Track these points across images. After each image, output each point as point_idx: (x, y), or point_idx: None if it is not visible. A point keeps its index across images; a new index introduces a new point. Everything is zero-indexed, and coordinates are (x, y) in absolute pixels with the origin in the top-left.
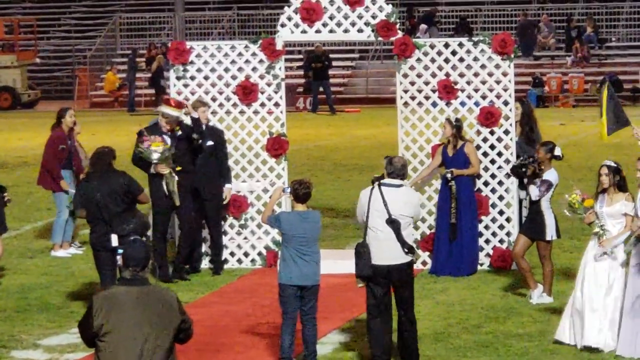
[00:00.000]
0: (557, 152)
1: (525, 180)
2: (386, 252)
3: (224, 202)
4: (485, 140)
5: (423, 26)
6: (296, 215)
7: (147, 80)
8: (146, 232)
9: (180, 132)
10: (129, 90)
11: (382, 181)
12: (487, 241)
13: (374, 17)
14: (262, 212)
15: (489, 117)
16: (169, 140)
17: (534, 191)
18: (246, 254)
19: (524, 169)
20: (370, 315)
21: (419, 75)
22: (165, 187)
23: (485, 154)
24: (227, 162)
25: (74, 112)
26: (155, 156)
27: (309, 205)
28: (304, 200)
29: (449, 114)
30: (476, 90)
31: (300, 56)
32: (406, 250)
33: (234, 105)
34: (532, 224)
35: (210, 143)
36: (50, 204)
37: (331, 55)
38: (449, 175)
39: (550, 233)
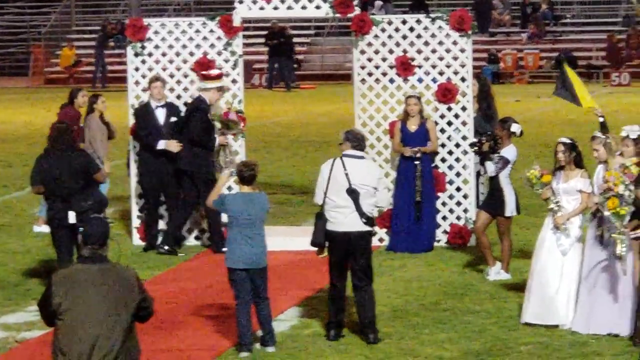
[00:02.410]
0: (514, 128)
1: (482, 156)
2: (342, 220)
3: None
4: (442, 116)
5: (378, 2)
6: (242, 197)
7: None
8: (104, 209)
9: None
10: (96, 66)
11: (344, 152)
12: (444, 218)
13: None
14: None
15: (446, 94)
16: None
17: (489, 167)
18: (203, 231)
19: (479, 145)
20: (331, 283)
21: (376, 52)
22: (222, 157)
23: (442, 131)
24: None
25: (86, 93)
26: (238, 127)
27: (265, 182)
28: (250, 182)
29: (406, 90)
30: (433, 67)
31: (257, 32)
32: (364, 220)
33: (192, 82)
34: (492, 200)
35: (173, 119)
36: (5, 180)
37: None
38: (418, 154)
39: (509, 209)
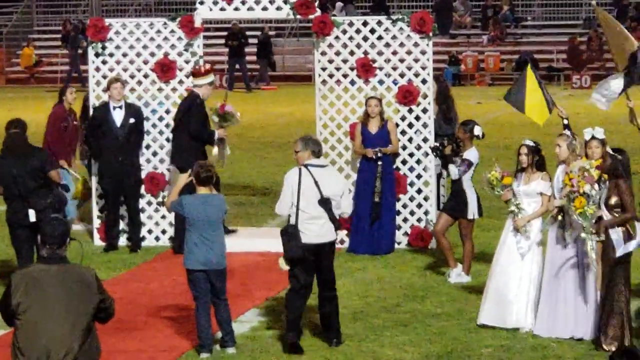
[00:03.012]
0: (477, 131)
1: (445, 159)
2: (317, 230)
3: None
4: (403, 118)
5: (339, 4)
6: (199, 199)
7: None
8: (63, 207)
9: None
10: (71, 66)
11: (309, 162)
12: (405, 220)
13: None
14: None
15: (407, 96)
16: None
17: (453, 170)
18: (164, 232)
19: (441, 148)
20: (295, 294)
21: (337, 53)
22: (219, 151)
23: (403, 133)
24: (143, 140)
25: (74, 90)
26: (235, 121)
27: (226, 183)
28: (206, 184)
29: (367, 92)
30: (394, 69)
31: (217, 33)
32: (337, 225)
33: (152, 82)
34: (454, 203)
35: (132, 121)
36: None
37: (247, 33)
38: (379, 154)
39: (472, 211)
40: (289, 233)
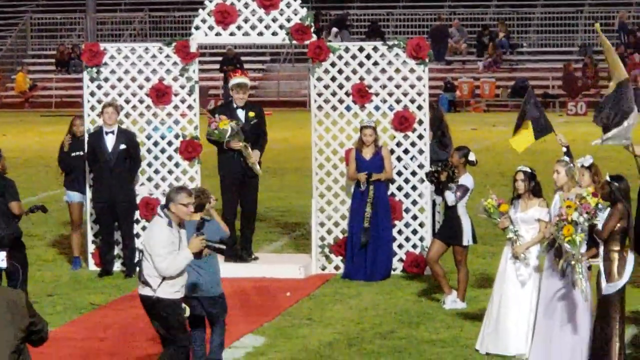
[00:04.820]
0: (472, 157)
1: (440, 186)
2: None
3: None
4: (399, 144)
5: (334, 29)
6: (191, 225)
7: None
8: (17, 241)
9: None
10: None
11: None
12: (400, 246)
13: (288, 20)
14: None
15: (403, 122)
16: (242, 116)
17: (449, 196)
18: None
19: (437, 175)
20: None
21: (333, 79)
22: (244, 161)
23: (399, 159)
24: (139, 165)
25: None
26: (226, 135)
27: (221, 209)
28: (198, 210)
29: (363, 118)
30: (390, 95)
31: (213, 58)
32: (141, 281)
33: (147, 107)
34: (448, 229)
35: (122, 146)
36: None
37: (242, 58)
38: (363, 179)
39: (466, 238)
40: None
